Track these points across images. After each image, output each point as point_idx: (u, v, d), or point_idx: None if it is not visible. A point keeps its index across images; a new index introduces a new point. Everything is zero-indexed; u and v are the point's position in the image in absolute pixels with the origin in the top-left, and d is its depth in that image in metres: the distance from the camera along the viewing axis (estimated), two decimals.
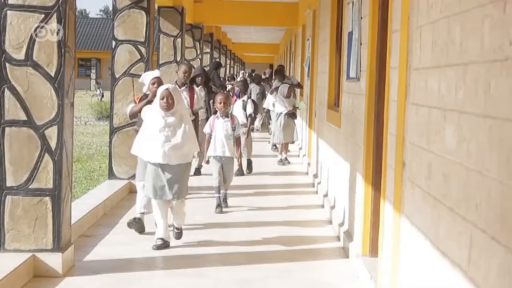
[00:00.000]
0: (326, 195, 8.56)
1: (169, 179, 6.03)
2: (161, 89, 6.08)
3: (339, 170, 7.47)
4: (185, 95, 8.57)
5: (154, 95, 6.50)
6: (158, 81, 6.83)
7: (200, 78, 10.16)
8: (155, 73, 7.09)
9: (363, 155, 5.69)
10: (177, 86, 6.47)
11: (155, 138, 5.96)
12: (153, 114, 6.06)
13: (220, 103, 8.01)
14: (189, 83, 9.25)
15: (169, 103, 5.96)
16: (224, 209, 8.00)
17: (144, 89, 7.05)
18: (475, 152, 2.74)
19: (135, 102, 7.08)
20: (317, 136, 10.64)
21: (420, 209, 3.63)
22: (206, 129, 8.17)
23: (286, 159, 12.66)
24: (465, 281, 2.82)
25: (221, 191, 8.07)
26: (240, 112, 11.18)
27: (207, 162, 8.16)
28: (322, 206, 8.52)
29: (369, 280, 5.03)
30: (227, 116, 8.10)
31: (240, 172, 10.71)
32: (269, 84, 19.02)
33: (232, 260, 5.94)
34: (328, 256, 6.22)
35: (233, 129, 8.07)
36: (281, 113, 12.47)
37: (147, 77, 7.01)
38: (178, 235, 6.41)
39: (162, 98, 5.97)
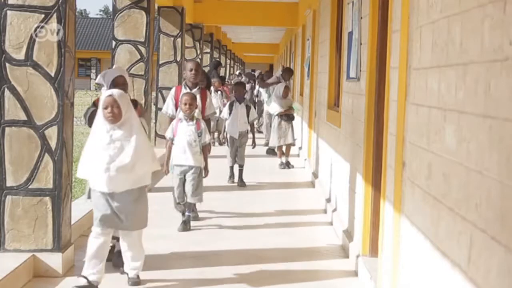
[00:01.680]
0: (326, 195, 8.55)
1: (120, 207, 4.82)
2: (104, 96, 4.84)
3: (339, 170, 7.47)
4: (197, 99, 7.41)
5: None
6: (123, 81, 5.52)
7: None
8: (118, 70, 5.72)
9: (363, 155, 5.69)
10: (125, 93, 5.08)
11: (98, 159, 4.71)
12: (97, 127, 4.81)
13: (185, 104, 6.83)
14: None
15: (114, 113, 4.70)
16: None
17: (103, 90, 5.43)
18: (475, 152, 2.74)
19: (95, 106, 5.54)
20: (317, 136, 10.64)
21: (420, 209, 3.63)
22: (168, 134, 7.05)
23: (288, 163, 12.16)
24: (465, 281, 2.82)
25: (186, 213, 7.03)
26: (243, 119, 10.18)
27: (166, 171, 7.03)
28: (322, 205, 8.52)
29: (369, 280, 5.03)
30: (192, 120, 6.92)
31: (232, 180, 10.24)
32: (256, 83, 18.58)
33: (232, 260, 5.94)
34: (328, 256, 6.22)
35: (199, 135, 6.90)
36: (276, 114, 12.10)
37: (108, 75, 5.58)
38: (135, 283, 5.09)
39: (106, 107, 4.71)
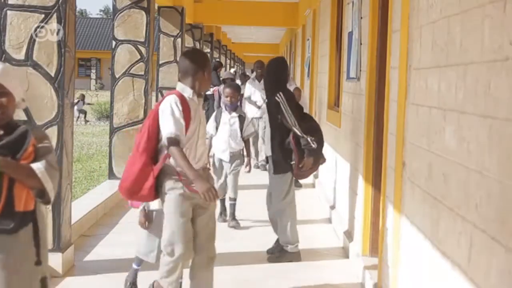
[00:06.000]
0: (326, 195, 8.56)
1: None
2: None
3: (339, 170, 7.47)
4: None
5: None
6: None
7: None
8: None
9: (363, 155, 5.69)
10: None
11: None
12: None
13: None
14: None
15: None
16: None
17: None
18: (475, 152, 2.74)
19: None
20: None
21: (420, 209, 3.63)
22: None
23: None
24: (465, 281, 2.82)
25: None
26: (236, 135, 7.23)
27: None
28: (322, 205, 8.51)
29: (369, 280, 5.03)
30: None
31: (223, 218, 7.51)
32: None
33: (232, 260, 5.94)
34: (328, 256, 6.22)
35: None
36: None
37: None
38: None
39: None
